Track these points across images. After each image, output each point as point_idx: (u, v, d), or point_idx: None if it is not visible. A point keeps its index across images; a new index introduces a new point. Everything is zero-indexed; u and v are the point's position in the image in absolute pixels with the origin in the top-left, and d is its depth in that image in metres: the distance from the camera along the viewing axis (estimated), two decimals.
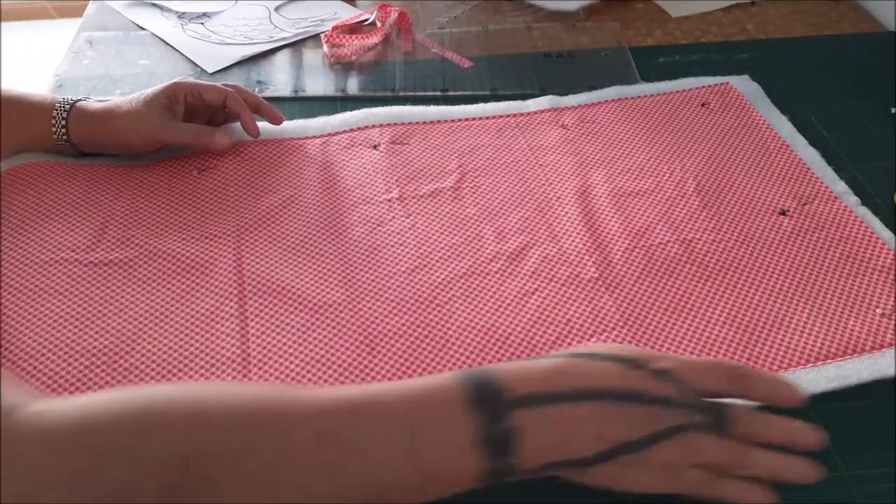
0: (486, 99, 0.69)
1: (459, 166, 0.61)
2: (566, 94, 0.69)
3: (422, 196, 0.59)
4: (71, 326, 0.48)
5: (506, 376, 0.36)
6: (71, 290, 0.51)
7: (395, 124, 0.65)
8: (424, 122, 0.66)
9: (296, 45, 0.79)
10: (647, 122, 0.66)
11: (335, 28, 0.79)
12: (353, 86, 0.73)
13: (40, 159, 0.60)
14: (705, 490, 0.37)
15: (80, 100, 0.59)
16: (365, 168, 0.61)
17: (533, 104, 0.68)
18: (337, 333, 0.48)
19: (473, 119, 0.66)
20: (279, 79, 0.73)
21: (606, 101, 0.69)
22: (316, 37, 0.80)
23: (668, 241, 0.55)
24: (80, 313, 0.49)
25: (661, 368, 0.37)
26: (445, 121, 0.66)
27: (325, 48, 0.77)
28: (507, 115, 0.67)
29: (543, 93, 0.70)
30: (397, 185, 0.60)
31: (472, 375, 0.36)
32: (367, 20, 0.80)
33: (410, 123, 0.65)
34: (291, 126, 0.65)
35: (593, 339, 0.48)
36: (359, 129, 0.65)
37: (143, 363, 0.47)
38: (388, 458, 0.33)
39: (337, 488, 0.32)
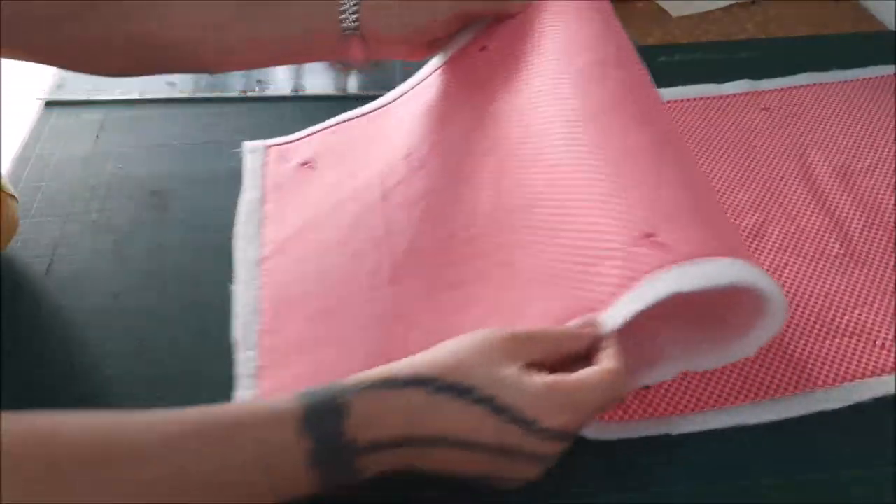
0: None
1: None
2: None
3: None
4: None
5: (354, 421, 0.33)
6: None
7: None
8: None
9: None
10: (848, 105, 0.67)
11: None
12: (352, 85, 0.72)
13: None
14: None
15: None
16: None
17: (729, 87, 0.69)
18: None
19: (675, 101, 0.67)
20: (279, 77, 0.72)
21: (803, 85, 0.69)
22: None
23: None
24: None
25: (549, 428, 0.34)
26: None
27: None
28: (707, 98, 0.68)
29: None
30: None
31: (317, 406, 0.33)
32: None
33: None
34: None
35: (857, 312, 0.49)
36: None
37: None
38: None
39: None
